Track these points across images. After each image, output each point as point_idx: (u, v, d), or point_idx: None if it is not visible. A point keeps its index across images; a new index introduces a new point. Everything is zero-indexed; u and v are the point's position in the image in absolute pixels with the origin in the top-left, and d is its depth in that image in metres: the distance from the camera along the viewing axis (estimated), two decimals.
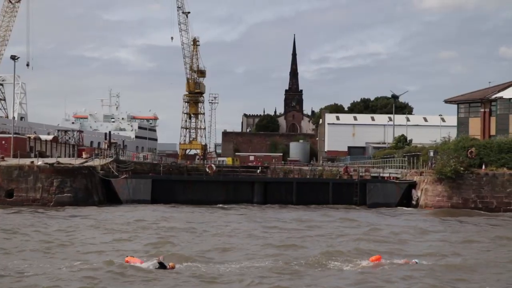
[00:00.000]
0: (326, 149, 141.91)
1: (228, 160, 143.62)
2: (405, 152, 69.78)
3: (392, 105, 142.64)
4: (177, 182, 55.59)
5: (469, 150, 52.67)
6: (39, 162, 49.36)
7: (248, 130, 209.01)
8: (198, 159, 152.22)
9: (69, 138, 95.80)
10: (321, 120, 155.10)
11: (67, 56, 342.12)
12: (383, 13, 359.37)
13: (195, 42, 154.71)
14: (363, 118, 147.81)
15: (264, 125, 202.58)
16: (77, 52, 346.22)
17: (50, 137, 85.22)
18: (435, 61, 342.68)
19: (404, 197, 53.83)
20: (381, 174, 64.60)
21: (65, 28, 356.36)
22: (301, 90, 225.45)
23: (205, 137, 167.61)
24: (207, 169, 57.00)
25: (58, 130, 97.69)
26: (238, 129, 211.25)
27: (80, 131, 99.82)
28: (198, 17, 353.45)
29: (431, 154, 56.96)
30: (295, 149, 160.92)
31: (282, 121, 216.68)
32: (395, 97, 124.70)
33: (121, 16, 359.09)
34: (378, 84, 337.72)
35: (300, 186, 55.30)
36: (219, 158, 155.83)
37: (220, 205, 51.06)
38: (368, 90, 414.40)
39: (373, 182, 56.08)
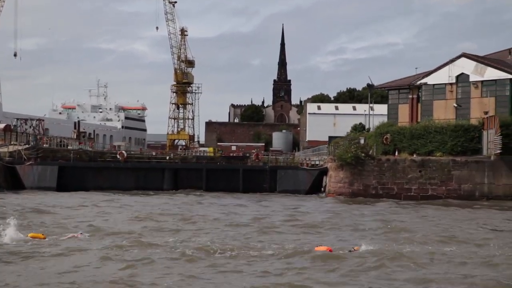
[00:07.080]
0: (307, 139, 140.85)
1: (209, 150, 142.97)
2: (350, 139, 69.06)
3: (378, 95, 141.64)
4: (85, 169, 55.08)
5: (385, 137, 52.18)
6: None
7: (235, 121, 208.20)
8: (180, 149, 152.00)
9: (30, 126, 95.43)
10: (304, 110, 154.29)
11: (83, 49, 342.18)
12: (401, 4, 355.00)
13: (183, 32, 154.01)
14: (345, 107, 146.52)
15: (249, 115, 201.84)
16: (93, 44, 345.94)
17: (1, 126, 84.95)
18: (453, 53, 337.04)
19: (315, 183, 53.03)
20: (311, 161, 63.85)
21: (80, 21, 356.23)
22: (290, 80, 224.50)
23: (193, 128, 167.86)
24: (118, 156, 56.69)
25: (17, 119, 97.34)
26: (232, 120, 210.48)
27: (41, 120, 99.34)
28: (215, 8, 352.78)
29: (362, 141, 56.17)
30: (278, 139, 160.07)
31: (270, 111, 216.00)
32: (370, 86, 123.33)
33: (137, 7, 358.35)
34: (394, 75, 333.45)
35: (211, 173, 54.77)
36: (201, 148, 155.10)
37: (121, 192, 50.57)
38: (383, 82, 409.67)
39: (284, 169, 55.34)
